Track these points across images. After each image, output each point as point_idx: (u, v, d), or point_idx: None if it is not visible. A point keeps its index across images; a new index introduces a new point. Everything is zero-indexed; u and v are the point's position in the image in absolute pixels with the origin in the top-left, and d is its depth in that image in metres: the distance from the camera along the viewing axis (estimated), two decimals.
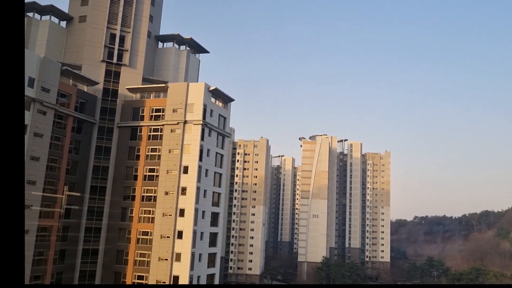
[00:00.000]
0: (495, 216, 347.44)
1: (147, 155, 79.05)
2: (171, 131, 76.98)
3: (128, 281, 75.01)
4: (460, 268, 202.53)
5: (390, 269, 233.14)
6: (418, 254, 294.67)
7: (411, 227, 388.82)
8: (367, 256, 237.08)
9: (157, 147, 78.48)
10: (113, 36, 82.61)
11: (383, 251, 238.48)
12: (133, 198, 78.09)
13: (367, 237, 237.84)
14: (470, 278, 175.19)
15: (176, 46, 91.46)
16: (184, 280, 70.97)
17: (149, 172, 78.35)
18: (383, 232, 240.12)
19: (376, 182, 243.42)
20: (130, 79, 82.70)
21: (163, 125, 78.03)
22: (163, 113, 79.09)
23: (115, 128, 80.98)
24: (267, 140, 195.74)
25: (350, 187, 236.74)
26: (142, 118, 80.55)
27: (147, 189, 77.80)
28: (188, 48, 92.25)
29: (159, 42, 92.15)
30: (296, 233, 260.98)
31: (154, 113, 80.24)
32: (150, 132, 79.76)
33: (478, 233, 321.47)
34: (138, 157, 79.42)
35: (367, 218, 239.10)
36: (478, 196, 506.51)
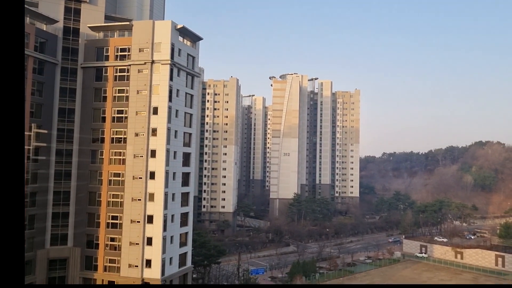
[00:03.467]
0: (459, 151, 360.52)
1: (115, 97, 77.35)
2: (138, 71, 75.12)
3: (102, 220, 75.68)
4: (425, 201, 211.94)
5: (359, 204, 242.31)
6: (386, 189, 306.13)
7: (379, 163, 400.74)
8: (337, 192, 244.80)
9: (124, 88, 76.70)
10: None
11: (352, 186, 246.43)
12: (102, 140, 77.20)
13: (337, 174, 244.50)
14: (434, 209, 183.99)
15: None
16: (158, 218, 72.02)
17: (117, 113, 77.01)
18: (352, 168, 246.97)
19: (346, 120, 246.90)
20: (91, 17, 79.08)
21: (129, 65, 75.92)
22: (129, 53, 76.74)
23: (79, 68, 78.38)
24: (237, 80, 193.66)
25: (321, 126, 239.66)
26: (107, 58, 77.97)
27: (116, 131, 76.82)
28: None
29: None
30: (267, 171, 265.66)
31: (120, 53, 77.74)
32: (116, 72, 77.59)
33: (442, 168, 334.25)
34: (105, 98, 77.66)
35: (337, 155, 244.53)
36: (444, 132, 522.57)
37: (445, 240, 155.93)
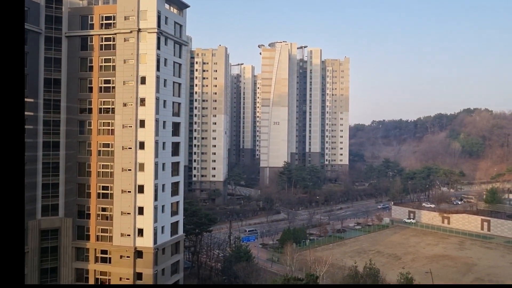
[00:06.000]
0: (448, 118, 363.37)
1: (101, 66, 76.07)
2: (125, 40, 73.73)
3: (93, 191, 75.63)
4: (413, 168, 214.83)
5: (349, 171, 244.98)
6: (375, 157, 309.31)
7: (369, 131, 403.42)
8: (326, 160, 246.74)
9: (111, 57, 75.39)
10: None
11: (342, 154, 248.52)
12: (90, 110, 76.31)
13: (327, 142, 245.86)
14: (422, 176, 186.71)
15: None
16: (149, 188, 72.20)
17: (104, 83, 75.93)
18: (342, 136, 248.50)
19: (335, 88, 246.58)
20: None
21: (115, 34, 74.41)
22: (114, 21, 75.06)
23: (64, 38, 76.63)
24: (226, 48, 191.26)
25: (310, 94, 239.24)
26: (91, 26, 76.25)
27: (104, 101, 75.92)
28: None
29: None
30: (257, 140, 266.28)
31: (105, 21, 76.01)
32: (102, 41, 76.08)
33: (431, 135, 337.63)
34: (91, 68, 76.37)
35: (327, 124, 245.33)
36: (433, 100, 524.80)
37: (432, 206, 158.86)
